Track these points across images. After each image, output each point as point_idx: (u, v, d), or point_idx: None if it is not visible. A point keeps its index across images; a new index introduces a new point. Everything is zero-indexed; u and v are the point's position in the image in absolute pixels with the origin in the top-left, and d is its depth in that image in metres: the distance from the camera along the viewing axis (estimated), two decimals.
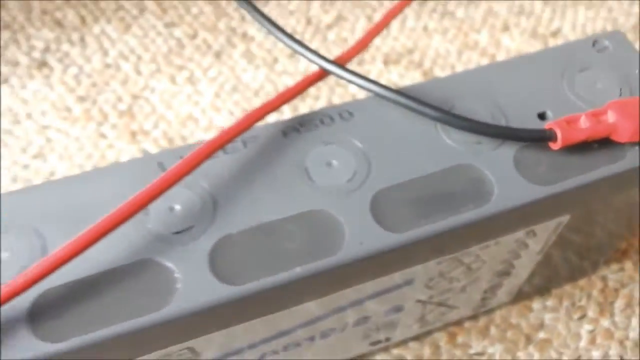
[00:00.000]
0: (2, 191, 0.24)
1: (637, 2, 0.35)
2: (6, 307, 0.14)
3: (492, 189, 0.16)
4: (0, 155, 0.28)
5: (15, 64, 0.31)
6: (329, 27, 0.33)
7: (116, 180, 0.16)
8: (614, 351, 0.23)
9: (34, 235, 0.15)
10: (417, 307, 0.20)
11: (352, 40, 0.33)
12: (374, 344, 0.22)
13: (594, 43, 0.19)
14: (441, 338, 0.23)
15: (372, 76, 0.30)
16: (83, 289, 0.14)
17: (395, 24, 0.33)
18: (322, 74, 0.17)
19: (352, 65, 0.21)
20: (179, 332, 0.15)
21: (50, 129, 0.29)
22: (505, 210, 0.16)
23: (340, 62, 0.17)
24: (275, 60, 0.32)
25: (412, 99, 0.16)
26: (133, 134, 0.29)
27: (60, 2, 0.33)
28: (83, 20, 0.33)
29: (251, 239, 0.15)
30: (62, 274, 0.14)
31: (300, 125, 0.17)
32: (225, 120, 0.29)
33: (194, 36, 0.32)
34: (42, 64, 0.31)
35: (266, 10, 0.30)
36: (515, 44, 0.33)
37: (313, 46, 0.32)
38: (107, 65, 0.31)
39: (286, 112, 0.29)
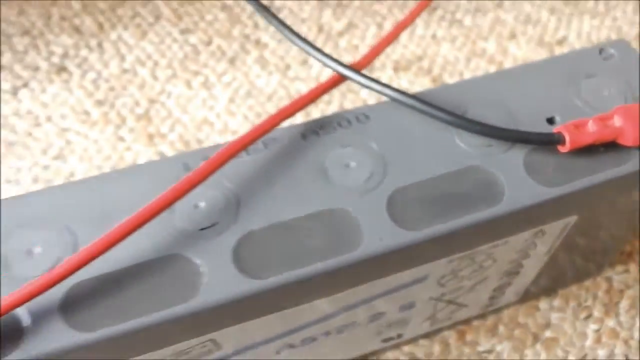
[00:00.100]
0: (24, 191, 0.25)
1: None
2: (40, 298, 0.15)
3: (503, 189, 0.17)
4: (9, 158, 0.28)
5: (35, 68, 0.32)
6: (340, 34, 0.34)
7: (143, 179, 0.17)
8: (619, 350, 0.24)
9: (66, 231, 0.16)
10: (428, 305, 0.21)
11: (362, 47, 0.34)
12: (386, 340, 0.22)
13: (600, 51, 0.20)
14: (450, 336, 0.24)
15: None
16: (113, 281, 0.15)
17: (404, 33, 0.34)
18: (340, 79, 0.18)
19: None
20: (204, 324, 0.16)
21: (69, 132, 0.30)
22: (515, 210, 0.17)
23: (357, 68, 0.18)
24: (288, 66, 0.32)
25: (427, 104, 0.17)
26: (150, 137, 0.29)
27: (78, 9, 0.34)
28: (100, 26, 0.34)
29: (273, 235, 0.16)
30: (94, 268, 0.15)
31: (319, 128, 0.18)
32: (239, 124, 0.30)
33: (208, 43, 0.33)
34: (61, 69, 0.32)
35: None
36: (522, 51, 0.34)
37: None
38: (125, 71, 0.32)
39: (298, 118, 0.30)
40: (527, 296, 0.24)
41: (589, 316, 0.25)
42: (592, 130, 0.17)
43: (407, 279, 0.18)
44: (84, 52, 0.33)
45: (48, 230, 0.16)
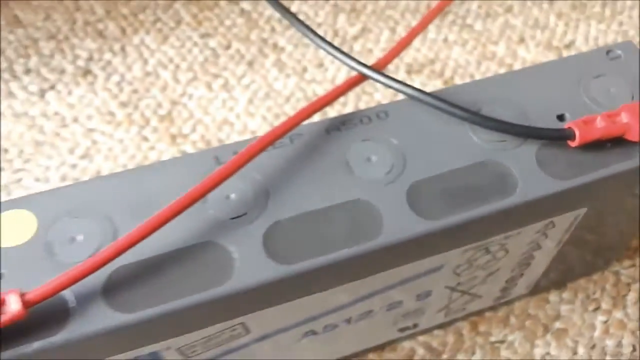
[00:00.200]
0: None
1: None
2: (84, 282, 0.16)
3: (516, 182, 0.18)
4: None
5: (62, 71, 0.33)
6: (355, 38, 0.35)
7: (177, 172, 0.18)
8: (626, 340, 0.25)
9: (105, 220, 0.17)
10: (444, 294, 0.22)
11: (376, 50, 0.35)
12: (402, 330, 0.23)
13: (608, 52, 0.21)
14: (464, 327, 0.25)
15: None
16: (151, 267, 0.16)
17: (417, 37, 0.35)
18: (361, 79, 0.19)
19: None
20: (236, 307, 0.17)
21: (95, 132, 0.31)
22: (527, 202, 0.18)
23: (378, 68, 0.19)
24: (305, 69, 0.34)
25: (444, 101, 0.18)
26: (173, 137, 0.31)
27: (102, 15, 0.36)
28: (123, 31, 0.35)
29: (300, 224, 0.17)
30: (133, 253, 0.16)
31: (341, 124, 0.19)
32: (258, 124, 0.31)
33: (227, 46, 0.34)
34: (87, 72, 0.33)
35: None
36: (531, 55, 0.35)
37: None
38: (147, 73, 0.33)
39: (316, 119, 0.31)
40: (538, 289, 0.25)
41: (597, 308, 0.26)
42: (600, 126, 0.18)
43: (425, 267, 0.19)
44: (107, 56, 0.34)
45: (89, 219, 0.17)
